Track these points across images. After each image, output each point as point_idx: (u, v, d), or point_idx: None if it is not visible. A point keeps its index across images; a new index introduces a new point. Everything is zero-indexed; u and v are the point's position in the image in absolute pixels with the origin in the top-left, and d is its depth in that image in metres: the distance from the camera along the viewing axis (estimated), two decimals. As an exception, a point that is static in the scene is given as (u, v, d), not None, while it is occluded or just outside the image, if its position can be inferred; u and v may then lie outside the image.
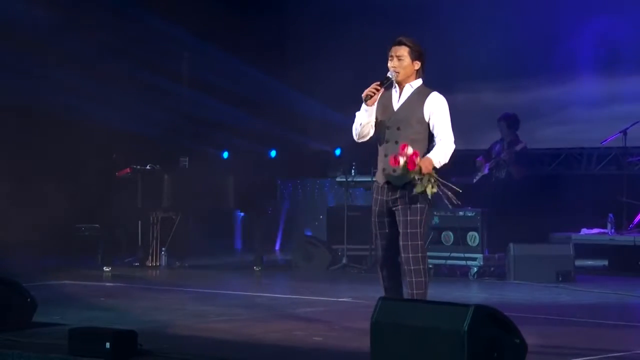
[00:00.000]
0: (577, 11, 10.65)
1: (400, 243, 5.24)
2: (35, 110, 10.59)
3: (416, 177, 5.08)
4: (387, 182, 5.29)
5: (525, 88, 11.06)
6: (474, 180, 9.93)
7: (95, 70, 11.21)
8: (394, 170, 5.19)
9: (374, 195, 5.39)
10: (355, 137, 5.42)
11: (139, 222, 10.57)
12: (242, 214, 11.35)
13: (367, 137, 5.40)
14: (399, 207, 5.25)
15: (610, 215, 9.63)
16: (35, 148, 10.74)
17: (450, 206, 5.27)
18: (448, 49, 11.20)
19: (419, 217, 5.23)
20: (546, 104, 10.99)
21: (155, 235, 10.53)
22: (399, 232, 5.25)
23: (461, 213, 9.30)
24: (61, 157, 10.76)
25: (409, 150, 5.07)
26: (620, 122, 10.03)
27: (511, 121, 9.92)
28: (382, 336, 4.35)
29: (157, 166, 10.36)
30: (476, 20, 11.13)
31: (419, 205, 5.22)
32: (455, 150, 5.30)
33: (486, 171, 9.91)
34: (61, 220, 10.81)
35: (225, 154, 12.75)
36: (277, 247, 12.70)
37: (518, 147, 9.77)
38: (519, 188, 9.68)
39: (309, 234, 12.55)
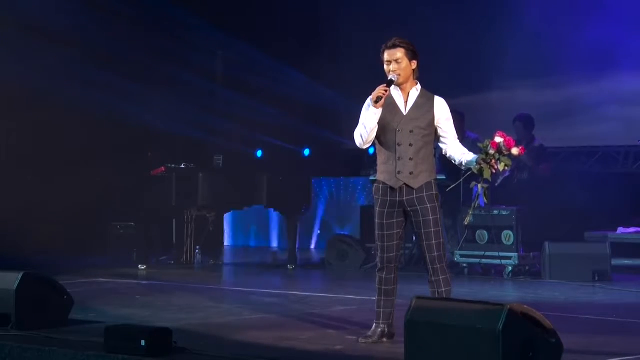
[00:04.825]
0: (613, 6, 10.53)
1: (425, 243, 5.25)
2: (68, 107, 10.68)
3: (499, 157, 5.16)
4: (404, 184, 5.27)
5: (561, 85, 10.96)
6: (496, 184, 9.85)
7: (128, 68, 11.29)
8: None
9: (380, 197, 5.32)
10: (360, 143, 5.31)
11: (174, 220, 10.62)
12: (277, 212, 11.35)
13: (371, 143, 5.37)
14: (418, 207, 5.25)
15: (648, 213, 9.54)
16: (70, 146, 10.83)
17: (486, 201, 5.32)
18: (483, 46, 11.15)
19: (438, 216, 5.30)
20: (583, 101, 10.88)
21: (189, 233, 10.57)
22: (418, 232, 5.26)
23: (496, 212, 9.24)
24: (96, 155, 10.84)
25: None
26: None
27: (527, 121, 9.83)
28: (416, 335, 4.34)
29: (192, 165, 10.40)
30: (511, 17, 11.04)
31: (436, 204, 5.28)
32: None
33: (507, 174, 9.81)
34: (97, 218, 10.92)
35: (259, 153, 12.78)
36: (313, 245, 12.69)
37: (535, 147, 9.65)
38: (551, 185, 9.59)
39: (343, 232, 12.55)
